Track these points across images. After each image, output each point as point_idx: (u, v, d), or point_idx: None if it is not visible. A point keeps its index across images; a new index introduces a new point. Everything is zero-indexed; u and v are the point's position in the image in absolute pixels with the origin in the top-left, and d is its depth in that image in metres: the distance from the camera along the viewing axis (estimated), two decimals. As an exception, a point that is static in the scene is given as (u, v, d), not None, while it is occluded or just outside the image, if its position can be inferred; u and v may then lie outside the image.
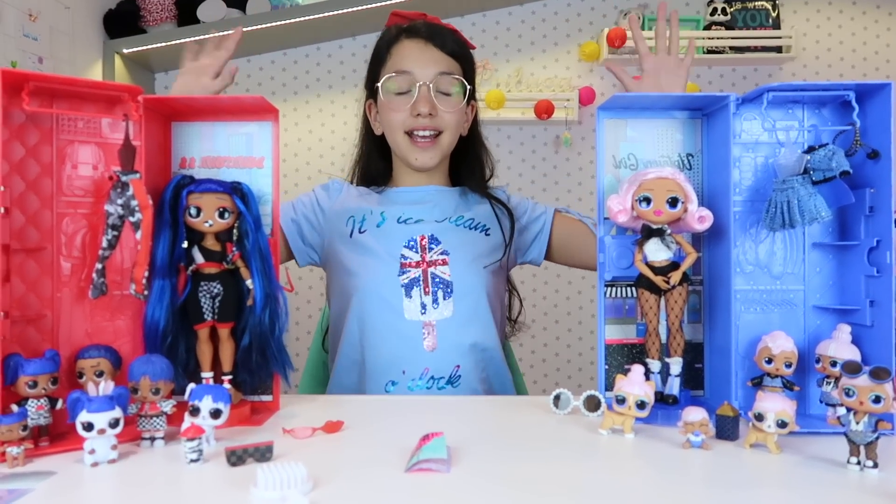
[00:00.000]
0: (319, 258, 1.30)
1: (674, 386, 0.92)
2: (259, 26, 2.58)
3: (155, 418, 0.78)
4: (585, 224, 1.30)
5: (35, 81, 0.80)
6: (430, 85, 1.21)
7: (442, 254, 1.20)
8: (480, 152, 1.35)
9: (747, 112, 0.93)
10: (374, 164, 1.34)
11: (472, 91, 1.28)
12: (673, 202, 0.87)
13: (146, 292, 0.84)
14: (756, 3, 2.93)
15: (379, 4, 2.55)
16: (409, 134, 1.23)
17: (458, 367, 1.15)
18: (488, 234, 1.26)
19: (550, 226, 1.32)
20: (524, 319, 1.39)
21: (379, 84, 1.23)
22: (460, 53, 1.26)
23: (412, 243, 1.21)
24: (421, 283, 1.18)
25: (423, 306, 1.17)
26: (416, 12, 1.29)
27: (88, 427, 0.70)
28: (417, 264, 1.19)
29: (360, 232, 1.23)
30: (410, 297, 1.17)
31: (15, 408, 0.75)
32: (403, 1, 2.52)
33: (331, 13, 2.56)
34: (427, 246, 1.20)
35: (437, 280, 1.19)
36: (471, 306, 1.19)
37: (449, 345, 1.16)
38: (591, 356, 2.93)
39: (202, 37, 2.66)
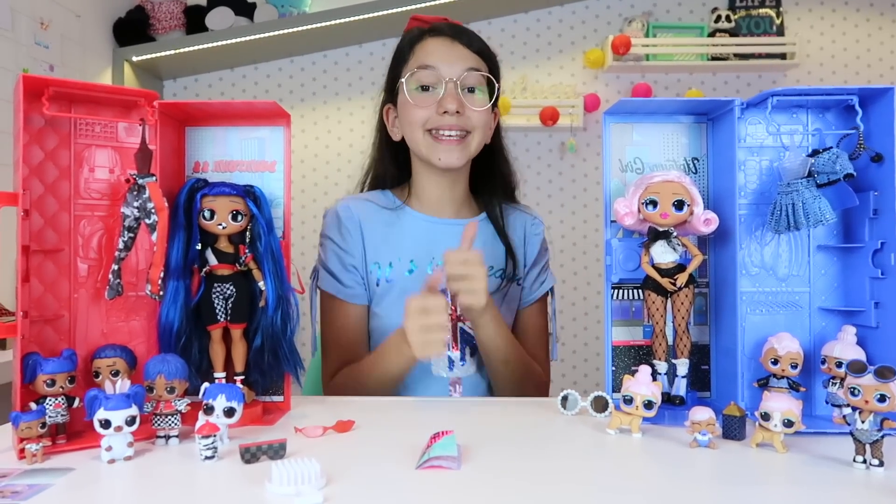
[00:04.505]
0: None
1: (680, 387, 0.93)
2: (266, 34, 2.61)
3: (170, 417, 0.79)
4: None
5: (54, 87, 0.82)
6: (458, 81, 1.13)
7: None
8: (503, 167, 1.28)
9: (752, 116, 0.94)
10: (389, 170, 1.26)
11: (498, 92, 1.21)
12: (679, 205, 0.88)
13: (161, 293, 0.86)
14: (760, 11, 2.94)
15: (385, 13, 2.58)
16: (431, 132, 1.14)
17: None
18: (520, 284, 1.24)
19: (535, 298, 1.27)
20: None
21: (403, 80, 1.15)
22: (486, 53, 1.20)
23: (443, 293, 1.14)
24: (450, 338, 1.14)
25: (451, 363, 1.16)
26: (437, 17, 1.25)
27: (106, 424, 0.71)
28: (448, 317, 1.13)
29: (387, 281, 1.17)
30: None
31: (33, 406, 0.77)
32: (412, 9, 2.55)
33: (337, 21, 2.59)
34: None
35: (465, 335, 1.16)
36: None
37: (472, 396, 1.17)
38: (597, 362, 2.94)
39: (210, 45, 2.70)
